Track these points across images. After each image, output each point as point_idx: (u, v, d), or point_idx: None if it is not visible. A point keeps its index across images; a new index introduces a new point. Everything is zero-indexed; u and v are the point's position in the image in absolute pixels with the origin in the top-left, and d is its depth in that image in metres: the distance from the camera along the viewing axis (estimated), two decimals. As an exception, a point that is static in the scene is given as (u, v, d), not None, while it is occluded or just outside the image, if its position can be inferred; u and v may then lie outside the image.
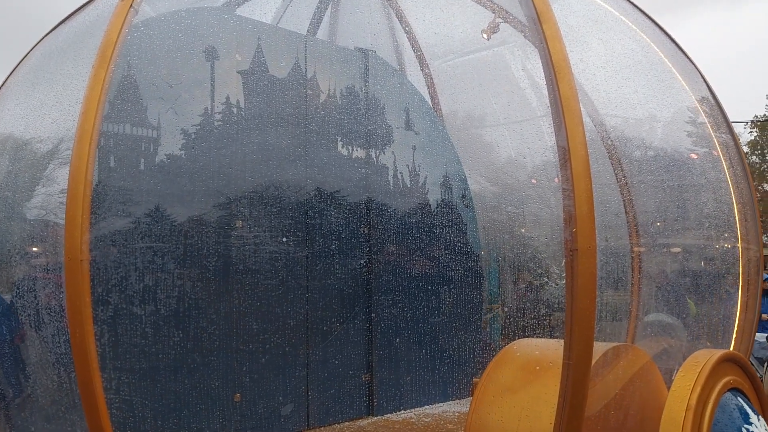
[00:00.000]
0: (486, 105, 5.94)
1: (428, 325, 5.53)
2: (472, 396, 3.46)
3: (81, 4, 4.09)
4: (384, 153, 5.47)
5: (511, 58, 5.27)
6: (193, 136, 4.33)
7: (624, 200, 4.60)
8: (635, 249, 4.60)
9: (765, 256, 5.29)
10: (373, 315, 5.23)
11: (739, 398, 3.30)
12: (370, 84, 5.41)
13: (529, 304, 6.22)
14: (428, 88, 6.12)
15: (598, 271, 2.56)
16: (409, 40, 5.99)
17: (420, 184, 5.70)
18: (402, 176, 5.58)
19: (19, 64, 4.28)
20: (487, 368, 3.48)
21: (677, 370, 3.20)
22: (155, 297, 4.06)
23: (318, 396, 4.89)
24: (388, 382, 5.31)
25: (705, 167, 4.65)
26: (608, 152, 4.62)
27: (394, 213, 5.45)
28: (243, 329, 4.46)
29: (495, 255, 6.17)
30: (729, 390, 3.26)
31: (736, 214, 4.41)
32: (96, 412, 2.68)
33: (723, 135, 4.59)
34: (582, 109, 2.75)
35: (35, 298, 3.63)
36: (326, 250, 4.98)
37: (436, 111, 6.09)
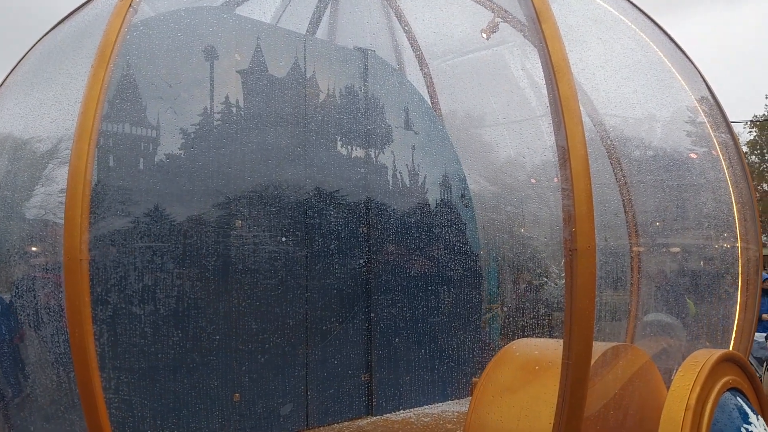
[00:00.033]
0: (485, 104, 5.94)
1: (427, 324, 5.53)
2: (471, 396, 3.46)
3: (80, 3, 4.08)
4: (383, 152, 5.47)
5: (510, 58, 5.27)
6: (192, 136, 4.32)
7: (623, 200, 4.60)
8: (634, 249, 4.60)
9: (764, 255, 5.30)
10: (372, 315, 5.23)
11: (738, 398, 3.30)
12: (369, 83, 5.41)
13: (528, 304, 6.22)
14: (427, 87, 6.12)
15: (597, 270, 2.56)
16: (409, 40, 5.99)
17: (419, 183, 5.70)
18: (401, 176, 5.58)
19: (18, 64, 4.27)
20: (487, 368, 3.48)
21: (676, 370, 3.20)
22: (154, 297, 4.06)
23: (317, 396, 4.89)
24: (387, 382, 5.31)
25: (704, 167, 4.65)
26: (607, 152, 4.62)
27: (394, 213, 5.45)
28: (242, 329, 4.46)
29: (494, 255, 6.17)
30: (728, 390, 3.26)
31: (736, 214, 4.41)
32: (95, 412, 2.67)
33: (722, 135, 4.59)
34: (581, 108, 2.75)
35: (34, 298, 3.63)
36: (325, 249, 4.98)
37: (435, 110, 6.09)
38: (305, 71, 5.00)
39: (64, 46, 4.11)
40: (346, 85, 5.27)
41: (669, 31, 4.59)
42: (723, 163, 4.47)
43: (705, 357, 3.22)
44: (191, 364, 4.22)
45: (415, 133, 5.74)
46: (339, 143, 5.19)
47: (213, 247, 4.34)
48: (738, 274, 4.37)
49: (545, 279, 6.54)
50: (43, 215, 3.90)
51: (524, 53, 5.03)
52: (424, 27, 5.87)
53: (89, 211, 2.75)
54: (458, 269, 5.72)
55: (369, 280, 5.24)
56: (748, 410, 3.29)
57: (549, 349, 3.49)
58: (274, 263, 4.67)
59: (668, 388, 3.13)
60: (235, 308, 4.42)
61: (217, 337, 4.33)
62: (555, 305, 5.73)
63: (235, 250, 4.45)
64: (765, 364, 7.50)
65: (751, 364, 4.02)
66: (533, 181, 5.64)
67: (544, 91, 2.85)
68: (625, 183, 4.61)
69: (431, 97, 6.13)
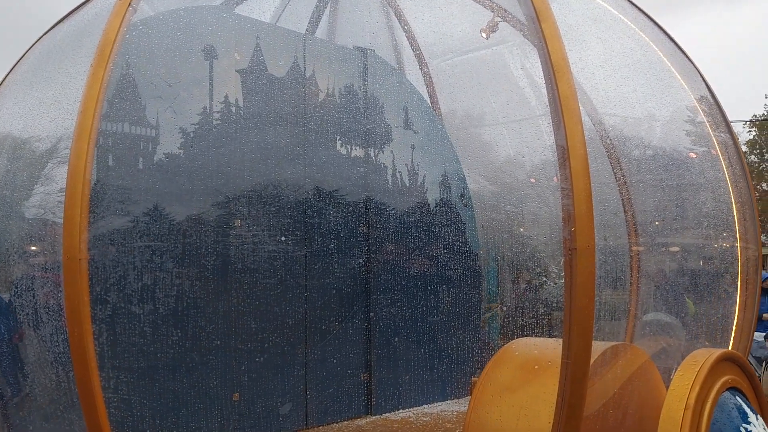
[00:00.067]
0: (485, 104, 5.94)
1: (427, 324, 5.53)
2: (470, 395, 3.46)
3: (79, 3, 4.08)
4: (383, 152, 5.47)
5: (509, 57, 5.27)
6: (191, 135, 4.32)
7: (623, 199, 4.60)
8: (634, 248, 4.60)
9: (764, 255, 5.30)
10: (371, 314, 5.23)
11: (737, 397, 3.30)
12: (368, 83, 5.41)
13: (527, 303, 6.22)
14: (427, 87, 6.12)
15: (596, 270, 2.56)
16: (408, 39, 5.99)
17: (419, 183, 5.69)
18: (401, 175, 5.58)
19: (17, 63, 4.27)
20: (486, 367, 3.48)
21: (676, 370, 3.20)
22: (154, 296, 4.06)
23: (316, 395, 4.89)
24: (386, 382, 5.31)
25: (704, 166, 4.65)
26: (607, 151, 4.62)
27: (393, 212, 5.44)
28: (241, 328, 4.45)
29: (494, 254, 6.17)
30: (727, 389, 3.26)
31: (735, 214, 4.41)
32: (94, 411, 2.67)
33: (722, 134, 4.59)
34: (581, 108, 2.75)
35: (34, 297, 3.63)
36: (325, 249, 4.97)
37: (434, 110, 6.09)
38: (305, 71, 5.00)
39: (63, 45, 4.11)
40: (345, 84, 5.26)
41: (669, 31, 4.59)
42: (722, 162, 4.47)
43: (704, 356, 3.22)
44: (190, 364, 4.22)
45: (415, 132, 5.74)
46: (338, 143, 5.19)
47: (212, 247, 4.34)
48: (737, 273, 4.37)
49: (545, 278, 6.54)
50: (42, 214, 3.90)
51: (524, 53, 5.03)
52: (424, 26, 5.87)
53: (88, 210, 2.75)
54: (458, 269, 5.72)
55: (368, 280, 5.24)
56: (748, 410, 3.29)
57: (548, 348, 3.49)
58: (274, 263, 4.67)
59: (667, 387, 3.13)
60: (235, 308, 4.42)
61: (217, 336, 4.33)
62: (554, 304, 5.73)
63: (234, 250, 4.45)
64: (764, 364, 7.50)
65: (751, 364, 4.02)
66: (533, 180, 5.64)
67: (544, 91, 2.85)
68: (625, 182, 4.61)
69: (431, 97, 6.13)
